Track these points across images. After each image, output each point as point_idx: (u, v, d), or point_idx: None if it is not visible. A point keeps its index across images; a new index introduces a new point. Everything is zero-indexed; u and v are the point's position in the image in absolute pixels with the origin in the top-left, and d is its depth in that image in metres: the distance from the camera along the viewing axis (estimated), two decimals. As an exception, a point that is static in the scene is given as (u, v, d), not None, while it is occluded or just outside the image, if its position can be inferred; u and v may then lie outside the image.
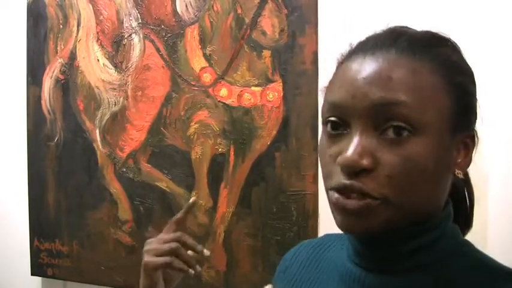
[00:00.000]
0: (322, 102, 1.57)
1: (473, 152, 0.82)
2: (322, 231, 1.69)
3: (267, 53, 1.76)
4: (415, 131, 0.74)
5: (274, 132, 1.76)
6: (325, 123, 0.81)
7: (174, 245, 1.18)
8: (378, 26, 1.59)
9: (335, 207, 0.78)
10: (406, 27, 0.83)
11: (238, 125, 1.82)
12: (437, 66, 0.77)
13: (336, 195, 0.77)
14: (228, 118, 1.84)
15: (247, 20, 1.79)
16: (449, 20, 1.48)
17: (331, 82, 0.82)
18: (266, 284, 0.95)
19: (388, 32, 0.82)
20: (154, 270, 1.18)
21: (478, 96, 0.83)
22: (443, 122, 0.76)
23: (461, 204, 0.90)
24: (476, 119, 0.83)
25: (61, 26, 2.16)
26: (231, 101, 1.83)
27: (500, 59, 1.46)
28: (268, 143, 1.77)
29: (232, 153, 1.83)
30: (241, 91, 1.81)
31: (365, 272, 0.83)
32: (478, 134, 0.83)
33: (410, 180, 0.75)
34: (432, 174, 0.76)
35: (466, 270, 0.79)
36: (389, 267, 0.81)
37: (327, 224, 1.68)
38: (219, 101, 1.85)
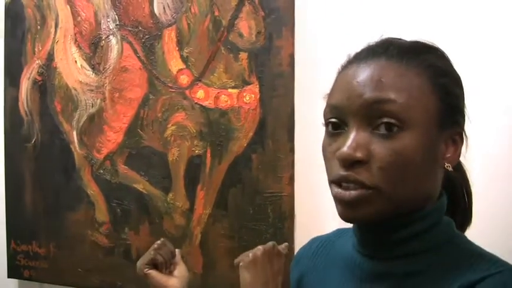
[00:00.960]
0: (300, 104, 1.60)
1: (462, 147, 0.91)
2: (298, 233, 1.70)
3: (243, 55, 1.77)
4: (404, 127, 0.83)
5: (251, 134, 1.76)
6: (326, 124, 0.91)
7: (156, 245, 1.25)
8: (354, 28, 1.61)
9: (335, 199, 0.87)
10: (398, 38, 0.92)
11: (215, 127, 1.82)
12: (423, 70, 0.86)
13: (336, 188, 0.86)
14: (204, 120, 1.84)
15: (224, 22, 1.79)
16: (428, 23, 1.51)
17: (331, 89, 0.92)
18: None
19: (380, 42, 0.91)
20: (145, 267, 1.22)
21: (465, 98, 0.92)
22: (430, 118, 0.85)
23: (459, 201, 0.99)
24: (464, 118, 0.92)
25: (39, 27, 2.15)
26: (208, 103, 1.83)
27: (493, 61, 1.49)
28: (245, 145, 1.77)
29: (209, 155, 1.84)
30: (218, 93, 1.81)
31: (364, 258, 0.93)
32: (467, 132, 0.91)
33: (400, 171, 0.84)
34: (420, 166, 0.85)
35: (454, 258, 0.86)
36: (384, 254, 0.90)
37: (304, 225, 1.70)
38: (196, 102, 1.85)
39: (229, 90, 1.79)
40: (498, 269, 0.81)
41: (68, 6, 2.08)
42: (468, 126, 0.92)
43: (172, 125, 1.90)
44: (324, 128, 0.92)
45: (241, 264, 1.15)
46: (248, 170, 1.77)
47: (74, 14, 2.08)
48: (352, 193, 0.84)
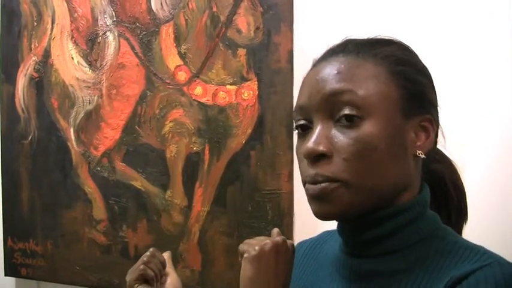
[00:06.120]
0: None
1: (435, 134, 0.91)
2: (297, 230, 1.69)
3: (242, 52, 1.75)
4: (365, 116, 0.84)
5: (249, 130, 1.75)
6: (296, 127, 0.92)
7: (145, 258, 1.21)
8: (354, 24, 1.60)
9: (307, 196, 0.88)
10: (358, 38, 0.93)
11: (213, 124, 1.81)
12: (380, 60, 0.88)
13: (307, 185, 0.87)
14: (202, 117, 1.83)
15: (222, 18, 1.78)
16: (429, 21, 1.51)
17: (298, 92, 0.93)
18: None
19: (340, 42, 0.93)
20: (135, 283, 1.20)
21: (431, 85, 0.92)
22: (391, 106, 0.86)
23: (451, 196, 0.99)
24: (434, 105, 0.92)
25: (35, 23, 2.14)
26: (206, 100, 1.82)
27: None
28: (243, 142, 1.76)
29: (207, 152, 1.82)
30: (216, 89, 1.80)
31: (350, 258, 0.92)
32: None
33: (364, 160, 0.84)
34: (385, 153, 0.85)
35: (441, 252, 0.85)
36: (368, 251, 0.90)
37: (302, 223, 1.69)
38: (193, 99, 1.84)
39: (228, 86, 1.78)
40: (487, 261, 0.81)
41: (65, 3, 2.07)
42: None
43: (170, 121, 1.88)
44: None
45: (245, 255, 1.11)
46: (247, 167, 1.76)
47: (71, 10, 2.06)
48: (321, 185, 0.85)
